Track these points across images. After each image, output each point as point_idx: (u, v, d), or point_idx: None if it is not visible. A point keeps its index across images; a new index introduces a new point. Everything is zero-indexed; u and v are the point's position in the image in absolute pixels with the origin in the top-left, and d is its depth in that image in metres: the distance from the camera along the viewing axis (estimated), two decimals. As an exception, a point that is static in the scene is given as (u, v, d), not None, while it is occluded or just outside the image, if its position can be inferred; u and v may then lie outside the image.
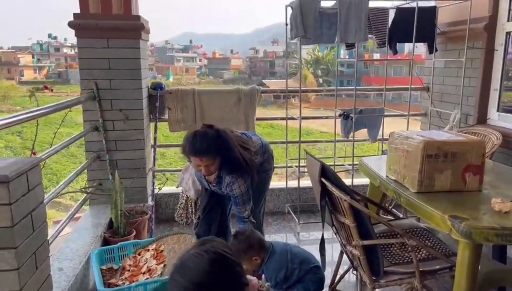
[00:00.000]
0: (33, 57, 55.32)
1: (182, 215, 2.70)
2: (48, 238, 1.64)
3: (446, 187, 1.86)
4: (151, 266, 2.43)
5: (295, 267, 2.08)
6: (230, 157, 2.20)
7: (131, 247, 2.66)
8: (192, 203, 2.59)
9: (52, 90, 3.08)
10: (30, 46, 60.99)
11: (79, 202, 3.07)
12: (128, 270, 2.44)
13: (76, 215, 3.32)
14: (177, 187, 2.71)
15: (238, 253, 1.91)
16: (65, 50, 59.17)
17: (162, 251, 2.56)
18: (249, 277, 1.55)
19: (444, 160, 1.84)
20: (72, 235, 2.81)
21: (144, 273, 2.38)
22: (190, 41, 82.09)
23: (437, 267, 1.89)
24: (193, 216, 2.61)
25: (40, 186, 1.55)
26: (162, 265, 2.42)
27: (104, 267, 2.49)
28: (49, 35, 67.88)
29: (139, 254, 2.58)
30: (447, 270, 1.91)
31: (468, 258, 1.57)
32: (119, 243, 2.65)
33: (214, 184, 2.39)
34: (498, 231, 1.48)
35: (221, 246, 1.21)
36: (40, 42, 61.65)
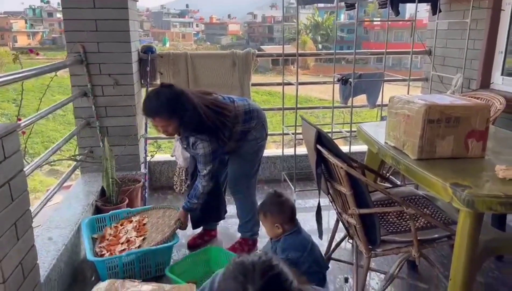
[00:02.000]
0: (26, 22, 54.05)
1: (177, 183, 2.67)
2: (31, 208, 1.57)
3: (447, 153, 1.78)
4: (131, 237, 2.37)
5: (309, 260, 1.88)
6: (189, 119, 2.13)
7: (124, 215, 2.60)
8: (183, 171, 2.52)
9: (38, 54, 2.93)
10: (22, 11, 59.48)
11: (70, 169, 3.00)
12: (107, 239, 2.39)
13: (68, 183, 3.26)
14: (171, 156, 2.64)
15: (266, 213, 1.92)
16: (58, 15, 57.75)
17: (145, 224, 2.50)
18: None
19: (446, 125, 1.75)
20: (62, 204, 2.76)
21: (122, 244, 2.33)
22: (187, 6, 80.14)
23: (436, 235, 1.83)
24: (183, 184, 2.55)
25: (18, 153, 1.47)
26: (141, 238, 2.36)
27: (95, 236, 2.44)
28: (42, 0, 66.09)
29: (121, 225, 2.53)
30: (446, 239, 1.86)
31: (469, 227, 1.50)
32: (110, 212, 2.60)
33: (184, 145, 2.36)
34: (502, 200, 1.41)
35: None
36: (33, 7, 60.05)
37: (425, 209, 2.04)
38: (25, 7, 60.98)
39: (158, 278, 2.27)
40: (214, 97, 2.31)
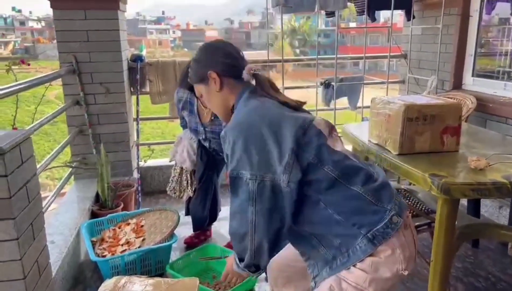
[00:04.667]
0: (-3, 32, 52.82)
1: (175, 188, 2.69)
2: (42, 210, 1.66)
3: (425, 148, 1.95)
4: (130, 238, 2.47)
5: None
6: None
7: (121, 218, 2.70)
8: (188, 175, 2.58)
9: (29, 64, 3.00)
10: (-7, 20, 58.12)
11: (65, 176, 3.07)
12: (107, 241, 2.49)
13: (61, 191, 3.32)
14: (170, 161, 2.71)
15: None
16: (30, 23, 56.68)
17: (142, 226, 2.61)
18: None
19: (423, 123, 1.93)
20: (60, 209, 2.83)
21: (122, 245, 2.43)
22: (163, 13, 79.78)
23: (417, 223, 2.01)
24: (189, 187, 2.60)
25: (32, 158, 1.56)
26: (141, 239, 2.47)
27: (94, 239, 2.53)
28: (13, 8, 64.71)
29: (119, 227, 2.62)
30: (426, 226, 2.04)
31: (447, 213, 1.67)
32: (108, 215, 2.69)
33: (209, 126, 2.41)
34: (474, 186, 1.59)
35: None
36: (4, 16, 58.76)
37: (406, 200, 2.22)
38: (-4, 16, 59.64)
39: (159, 275, 2.38)
40: None
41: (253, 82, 1.35)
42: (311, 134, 1.20)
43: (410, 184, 2.61)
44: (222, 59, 1.34)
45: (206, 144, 2.56)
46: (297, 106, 1.31)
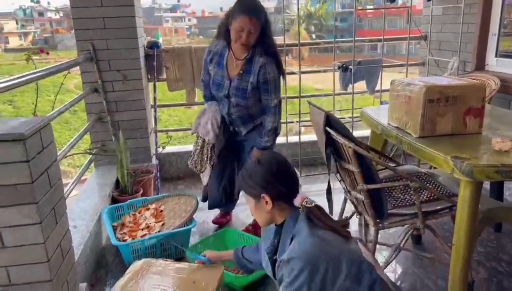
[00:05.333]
0: (17, 23, 53.62)
1: (197, 162, 2.60)
2: (63, 195, 1.69)
3: (447, 130, 1.91)
4: (150, 223, 2.51)
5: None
6: (270, 34, 2.34)
7: (140, 203, 2.73)
8: (209, 148, 2.51)
9: (48, 53, 3.03)
10: (13, 12, 58.97)
11: (85, 163, 3.12)
12: (127, 226, 2.53)
13: (82, 178, 3.38)
14: (192, 133, 2.63)
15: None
16: (49, 14, 57.32)
17: (162, 211, 2.63)
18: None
19: (445, 104, 1.88)
20: (81, 196, 2.88)
21: (142, 229, 2.46)
22: (178, 0, 79.64)
23: (438, 207, 1.97)
24: (208, 162, 2.55)
25: (53, 144, 1.59)
26: (161, 223, 2.50)
27: (115, 224, 2.57)
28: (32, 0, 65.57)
29: (139, 213, 2.66)
30: (447, 210, 2.00)
31: (469, 196, 1.64)
32: (128, 201, 2.72)
33: (236, 80, 2.36)
34: (498, 168, 1.55)
35: None
36: (23, 7, 59.56)
37: (427, 184, 2.18)
38: (15, 8, 60.47)
39: (178, 259, 2.41)
40: None
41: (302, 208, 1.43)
42: (364, 269, 1.35)
43: (430, 167, 2.57)
44: (279, 186, 1.43)
45: (226, 110, 2.46)
46: (347, 235, 1.43)
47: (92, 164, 3.33)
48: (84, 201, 2.75)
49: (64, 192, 2.54)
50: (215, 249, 2.42)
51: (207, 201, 2.71)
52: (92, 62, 3.09)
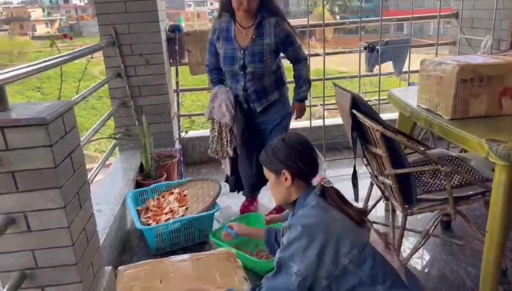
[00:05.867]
0: (43, 11, 54.57)
1: (217, 149, 2.57)
2: (87, 179, 1.69)
3: (481, 112, 1.81)
4: (174, 207, 2.51)
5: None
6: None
7: (164, 188, 2.74)
8: (227, 131, 2.48)
9: (72, 38, 3.05)
10: (39, 0, 60.00)
11: (109, 148, 3.14)
12: (151, 210, 2.53)
13: (107, 162, 3.42)
14: (208, 119, 2.59)
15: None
16: (74, 1, 58.03)
17: (185, 195, 2.64)
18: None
19: (479, 84, 1.78)
20: (105, 180, 2.91)
21: (166, 213, 2.47)
22: (200, -16, 79.24)
23: (471, 192, 1.89)
24: (229, 145, 2.51)
25: (75, 129, 1.58)
26: (184, 208, 2.50)
27: (139, 208, 2.59)
28: (57, -13, 66.40)
29: (163, 197, 2.66)
30: (480, 196, 1.91)
31: (505, 181, 1.55)
32: (152, 185, 2.74)
33: (250, 47, 2.36)
34: (538, 152, 1.45)
35: None
36: (49, -5, 60.48)
37: (459, 168, 2.09)
38: (41, -4, 61.45)
39: (202, 244, 2.42)
40: None
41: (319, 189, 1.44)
42: (366, 254, 1.31)
43: (461, 151, 2.46)
44: (299, 163, 1.45)
45: (241, 85, 2.43)
46: (359, 219, 1.39)
47: (117, 149, 3.36)
48: (109, 185, 2.78)
49: (89, 176, 2.60)
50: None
51: (244, 186, 2.67)
52: (115, 46, 3.08)
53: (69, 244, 1.47)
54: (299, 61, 2.50)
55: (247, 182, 2.61)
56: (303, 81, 2.54)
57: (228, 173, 2.68)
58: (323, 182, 1.43)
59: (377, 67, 3.57)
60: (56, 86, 2.64)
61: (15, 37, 36.05)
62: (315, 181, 1.44)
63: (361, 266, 1.30)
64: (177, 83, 3.41)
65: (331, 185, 1.44)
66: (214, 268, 1.68)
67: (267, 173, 1.53)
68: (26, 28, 48.51)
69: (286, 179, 1.45)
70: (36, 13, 52.55)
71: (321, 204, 1.39)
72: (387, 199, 2.08)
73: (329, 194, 1.42)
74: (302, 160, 1.45)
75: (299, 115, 2.67)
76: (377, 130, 1.70)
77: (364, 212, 1.45)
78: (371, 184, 2.29)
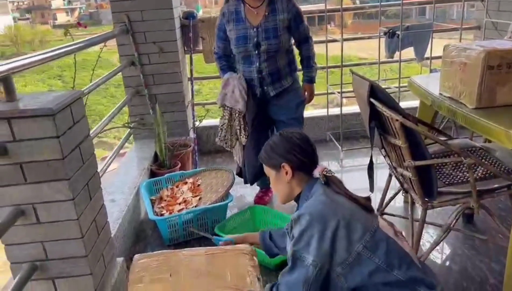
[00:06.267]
0: (63, -1, 55.12)
1: (226, 137, 2.53)
2: (98, 171, 1.67)
3: (509, 100, 1.71)
4: (187, 197, 2.48)
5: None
6: None
7: (178, 177, 2.71)
8: (241, 118, 2.43)
9: (86, 26, 3.01)
10: (59, -12, 60.57)
11: (123, 137, 3.13)
12: (165, 200, 2.51)
13: (122, 151, 3.42)
14: (219, 107, 2.53)
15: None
16: (93, -10, 58.37)
17: (199, 185, 2.60)
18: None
19: (507, 71, 1.68)
20: (120, 169, 2.91)
21: (180, 203, 2.44)
22: (218, -29, 78.73)
23: (496, 185, 1.79)
24: (242, 133, 2.45)
25: (84, 119, 1.55)
26: (198, 198, 2.47)
27: (153, 198, 2.57)
28: (76, -25, 66.83)
29: (176, 187, 2.64)
30: (505, 189, 1.82)
31: (534, 174, 1.46)
32: (166, 175, 2.71)
33: (263, 25, 2.32)
34: None
35: None
36: (69, -17, 60.98)
37: (483, 160, 1.99)
38: (62, -16, 61.98)
39: (215, 234, 2.38)
40: None
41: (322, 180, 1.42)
42: (379, 239, 1.28)
43: (485, 141, 2.35)
44: (298, 155, 1.43)
45: (256, 66, 2.37)
46: (366, 205, 1.37)
47: (132, 138, 3.35)
48: (123, 175, 2.77)
49: (103, 165, 2.59)
50: (243, 226, 2.38)
51: (246, 176, 2.62)
52: (128, 34, 3.05)
53: (79, 236, 1.45)
54: (307, 40, 2.48)
55: (251, 170, 2.54)
56: (312, 61, 2.52)
57: (240, 164, 2.62)
58: (325, 172, 1.41)
59: (397, 53, 3.44)
60: (77, 75, 2.64)
61: (37, 26, 36.63)
62: (316, 172, 1.42)
63: (375, 252, 1.27)
64: (191, 71, 3.36)
65: (333, 174, 1.42)
66: (228, 265, 1.61)
67: (267, 170, 1.52)
68: (47, 16, 49.16)
69: (286, 173, 1.43)
70: (57, 1, 53.12)
71: (327, 191, 1.38)
72: (406, 191, 2.00)
73: (333, 182, 1.41)
74: (301, 151, 1.44)
75: (310, 99, 2.61)
76: (397, 120, 1.62)
77: (369, 198, 1.42)
78: (390, 175, 2.21)
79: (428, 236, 2.27)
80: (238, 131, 2.48)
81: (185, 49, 3.40)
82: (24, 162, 1.34)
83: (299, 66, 2.57)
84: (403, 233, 1.44)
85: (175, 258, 1.73)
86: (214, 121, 3.82)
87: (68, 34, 2.62)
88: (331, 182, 1.41)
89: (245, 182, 2.66)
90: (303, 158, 1.43)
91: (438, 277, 1.40)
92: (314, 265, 1.26)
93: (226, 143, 2.55)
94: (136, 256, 1.77)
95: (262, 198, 2.70)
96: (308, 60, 2.52)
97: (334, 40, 3.39)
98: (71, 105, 1.44)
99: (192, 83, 3.38)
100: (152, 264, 1.70)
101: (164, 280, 1.55)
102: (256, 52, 2.34)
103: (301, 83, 2.58)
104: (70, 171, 1.39)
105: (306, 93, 2.58)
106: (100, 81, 2.52)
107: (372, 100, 1.72)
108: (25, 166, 1.34)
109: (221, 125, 2.54)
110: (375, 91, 1.71)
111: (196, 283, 1.52)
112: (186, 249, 1.84)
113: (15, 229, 1.40)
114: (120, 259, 1.83)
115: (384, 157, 2.03)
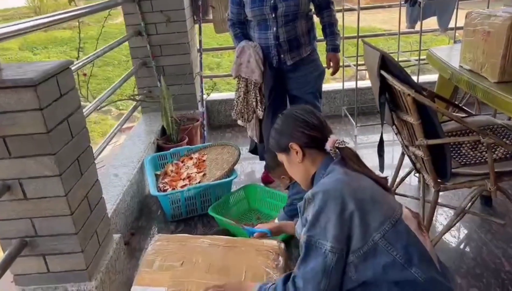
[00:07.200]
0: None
1: (242, 111, 2.40)
2: (90, 144, 1.60)
3: (536, 74, 1.54)
4: (192, 173, 2.42)
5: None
6: None
7: (184, 152, 2.65)
8: (257, 90, 2.29)
9: (90, -6, 2.93)
10: (80, -41, 60.30)
11: (129, 110, 3.07)
12: (169, 175, 2.45)
13: (131, 124, 3.37)
14: (234, 78, 2.41)
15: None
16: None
17: (204, 160, 2.53)
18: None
19: (536, 41, 1.50)
20: (126, 143, 2.86)
21: (184, 179, 2.38)
22: None
23: (517, 167, 1.65)
24: (259, 105, 2.32)
25: (74, 91, 1.47)
26: (202, 174, 2.40)
27: (158, 173, 2.52)
28: None
29: (182, 162, 2.57)
30: (528, 171, 1.67)
31: (560, 156, 1.31)
32: (171, 149, 2.65)
33: None
34: None
35: None
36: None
37: (504, 139, 1.83)
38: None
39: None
40: None
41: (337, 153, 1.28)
42: (399, 231, 1.14)
43: (509, 118, 2.18)
44: (304, 131, 1.29)
45: (274, 32, 2.23)
46: (385, 185, 1.25)
47: (140, 110, 3.29)
48: (129, 148, 2.72)
49: (107, 138, 2.54)
50: (237, 207, 2.31)
51: (259, 151, 2.52)
52: (134, 2, 2.93)
53: (67, 213, 1.39)
54: (329, 5, 2.34)
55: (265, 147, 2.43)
56: (336, 28, 2.37)
57: (257, 139, 2.48)
58: (337, 144, 1.26)
59: (419, 23, 3.22)
60: (98, 46, 2.60)
61: (58, -2, 36.68)
62: (328, 145, 1.27)
63: (395, 244, 1.12)
64: (200, 42, 3.24)
65: (346, 145, 1.27)
66: (245, 262, 1.49)
67: (279, 156, 1.39)
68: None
69: (297, 153, 1.29)
70: (78, -27, 53.01)
71: (345, 169, 1.23)
72: (418, 171, 1.87)
73: (348, 156, 1.27)
74: (306, 125, 1.29)
75: (336, 69, 2.45)
76: (409, 95, 1.48)
77: (386, 179, 1.29)
78: (403, 153, 2.08)
79: (442, 218, 2.15)
80: (254, 104, 2.36)
81: (194, 18, 3.28)
82: (7, 135, 1.27)
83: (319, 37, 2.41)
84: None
85: (192, 244, 1.63)
86: (226, 94, 3.73)
87: (73, 1, 2.55)
88: (346, 158, 1.26)
89: (261, 159, 2.55)
90: (310, 133, 1.29)
91: (455, 277, 1.26)
92: (333, 252, 1.11)
93: (242, 117, 2.42)
94: (157, 236, 1.72)
95: (268, 176, 2.61)
96: (331, 27, 2.36)
97: (351, 9, 3.19)
98: (58, 76, 1.36)
99: (201, 55, 3.27)
100: (168, 248, 1.61)
101: (173, 268, 1.48)
102: (273, 15, 2.19)
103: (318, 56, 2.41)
104: (56, 145, 1.32)
105: (331, 63, 2.42)
106: (105, 49, 2.45)
107: (382, 72, 1.58)
108: (8, 139, 1.28)
109: (237, 98, 2.41)
110: (386, 63, 1.57)
111: (204, 278, 1.43)
112: (207, 236, 1.73)
113: (2, 204, 1.35)
114: (117, 236, 1.79)
115: (396, 134, 1.90)
